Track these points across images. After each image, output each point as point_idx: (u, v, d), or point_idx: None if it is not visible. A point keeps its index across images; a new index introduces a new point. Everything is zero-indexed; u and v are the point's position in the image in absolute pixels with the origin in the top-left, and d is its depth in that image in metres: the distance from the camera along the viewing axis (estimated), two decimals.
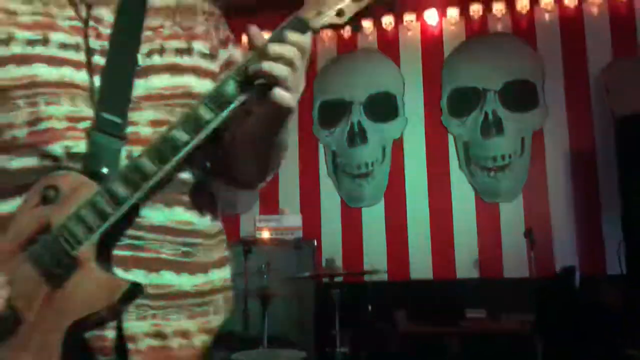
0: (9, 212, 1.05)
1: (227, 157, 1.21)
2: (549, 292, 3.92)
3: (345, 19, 1.01)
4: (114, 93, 1.09)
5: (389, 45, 5.10)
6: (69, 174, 1.04)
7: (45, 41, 1.09)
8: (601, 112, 4.61)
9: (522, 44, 4.84)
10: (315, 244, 4.86)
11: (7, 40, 1.09)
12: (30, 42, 1.09)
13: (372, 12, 1.01)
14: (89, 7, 1.14)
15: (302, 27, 1.00)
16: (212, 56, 1.20)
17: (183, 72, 1.15)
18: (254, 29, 1.00)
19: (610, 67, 4.64)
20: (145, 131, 1.09)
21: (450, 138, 4.91)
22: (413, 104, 4.99)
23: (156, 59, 1.14)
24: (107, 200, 1.00)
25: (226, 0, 1.50)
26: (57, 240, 1.01)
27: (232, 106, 1.00)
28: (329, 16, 1.01)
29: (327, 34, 5.13)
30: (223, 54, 1.23)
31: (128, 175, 1.00)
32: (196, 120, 1.00)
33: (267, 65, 0.98)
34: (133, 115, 1.09)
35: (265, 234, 4.78)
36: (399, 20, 5.05)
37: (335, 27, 1.04)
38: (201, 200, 1.18)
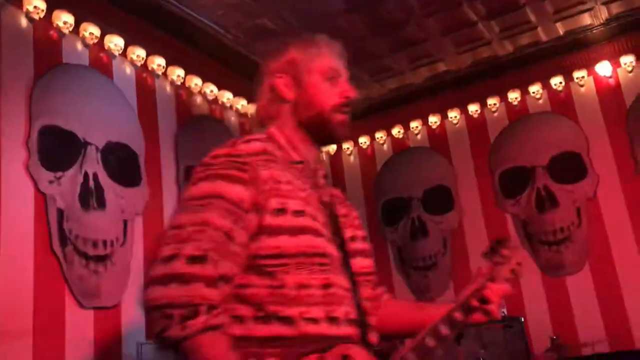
0: None
1: None
2: None
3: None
4: (345, 268, 1.28)
5: (563, 104, 4.95)
6: (360, 348, 1.16)
7: (316, 217, 1.24)
8: None
9: None
10: (523, 320, 4.58)
11: (302, 212, 1.21)
12: (314, 217, 1.24)
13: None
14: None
15: None
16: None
17: (369, 255, 1.42)
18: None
19: None
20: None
21: None
22: (602, 160, 4.73)
23: (356, 245, 1.37)
24: None
25: None
26: None
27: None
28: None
29: (495, 104, 5.09)
30: None
31: None
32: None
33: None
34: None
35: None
36: (568, 78, 4.92)
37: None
38: None
